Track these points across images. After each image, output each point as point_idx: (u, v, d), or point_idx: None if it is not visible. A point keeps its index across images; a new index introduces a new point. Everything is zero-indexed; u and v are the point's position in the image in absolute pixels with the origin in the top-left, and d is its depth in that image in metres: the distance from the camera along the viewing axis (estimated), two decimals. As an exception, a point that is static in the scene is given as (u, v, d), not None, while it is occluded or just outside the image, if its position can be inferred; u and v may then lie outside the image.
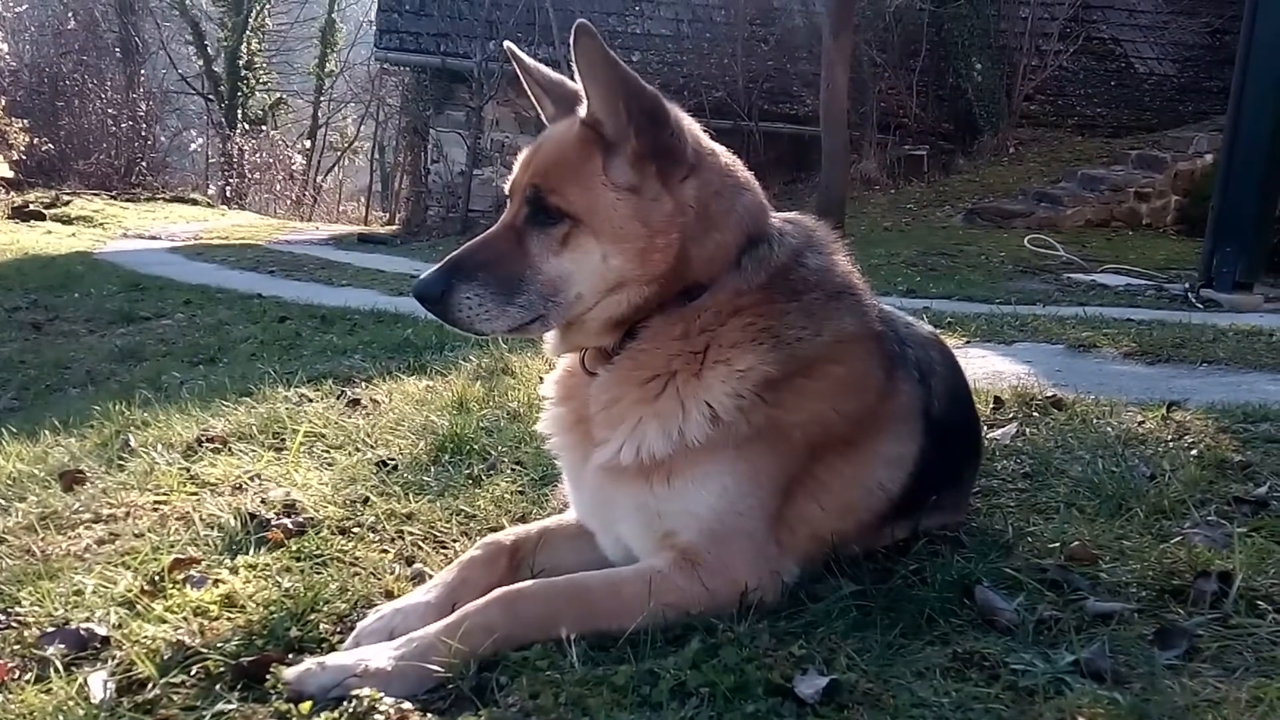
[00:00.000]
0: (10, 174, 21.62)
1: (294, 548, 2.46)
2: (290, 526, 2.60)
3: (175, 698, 1.78)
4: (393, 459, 3.27)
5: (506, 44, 2.22)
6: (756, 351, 2.09)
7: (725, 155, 2.23)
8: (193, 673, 1.85)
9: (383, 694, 1.70)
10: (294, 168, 38.63)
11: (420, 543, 2.58)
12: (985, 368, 4.81)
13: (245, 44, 37.76)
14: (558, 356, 2.37)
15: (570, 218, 2.04)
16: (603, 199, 2.04)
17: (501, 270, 2.05)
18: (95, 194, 24.23)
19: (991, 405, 3.86)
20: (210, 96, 39.08)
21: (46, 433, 3.89)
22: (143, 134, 29.49)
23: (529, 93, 2.34)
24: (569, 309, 2.08)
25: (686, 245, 2.08)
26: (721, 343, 2.10)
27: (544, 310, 2.06)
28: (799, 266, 2.19)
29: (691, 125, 2.18)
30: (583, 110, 2.10)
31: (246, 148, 35.56)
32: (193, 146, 41.14)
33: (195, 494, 2.92)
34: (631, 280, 2.06)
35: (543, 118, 2.34)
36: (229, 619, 2.07)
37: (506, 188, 2.19)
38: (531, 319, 2.07)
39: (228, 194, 33.90)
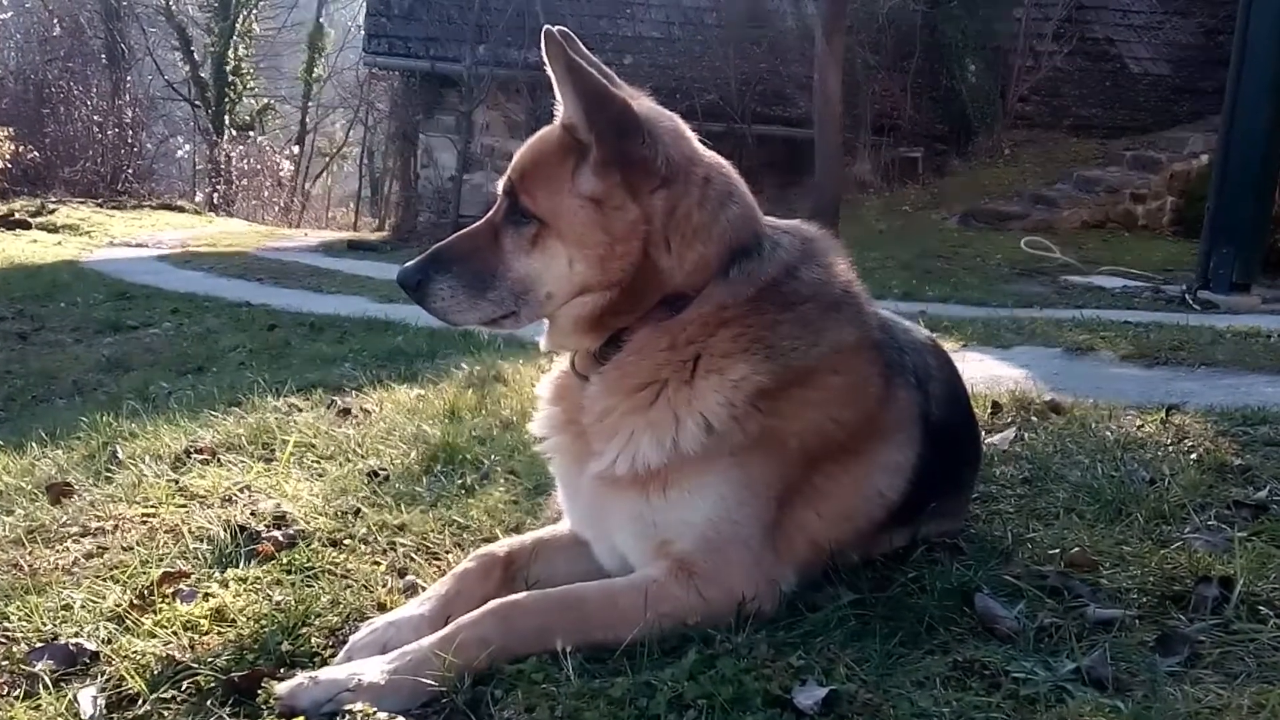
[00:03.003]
0: (-5, 182, 21.60)
1: (285, 560, 2.44)
2: (281, 539, 2.58)
3: (165, 713, 1.77)
4: (384, 469, 3.25)
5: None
6: (750, 362, 2.08)
7: (715, 166, 2.21)
8: (183, 688, 1.84)
9: (376, 708, 1.69)
10: (282, 174, 38.55)
11: (413, 554, 2.56)
12: (983, 372, 4.81)
13: (232, 50, 37.74)
14: (548, 354, 2.40)
15: (538, 219, 2.08)
16: (566, 204, 2.07)
17: (476, 264, 2.12)
18: (81, 202, 24.17)
19: (989, 410, 3.86)
20: (197, 103, 39.01)
21: (33, 444, 3.85)
22: (129, 141, 29.44)
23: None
24: (540, 307, 2.13)
25: (651, 255, 2.08)
26: (713, 353, 2.09)
27: (515, 307, 2.12)
28: (792, 278, 2.18)
29: (679, 135, 2.17)
30: (561, 114, 2.13)
31: (234, 154, 35.53)
32: (180, 153, 41.13)
33: (184, 506, 2.89)
34: (593, 285, 2.09)
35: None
36: (219, 633, 2.05)
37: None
38: (503, 314, 2.13)
39: (215, 201, 33.82)
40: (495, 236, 2.13)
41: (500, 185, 2.19)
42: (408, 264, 2.16)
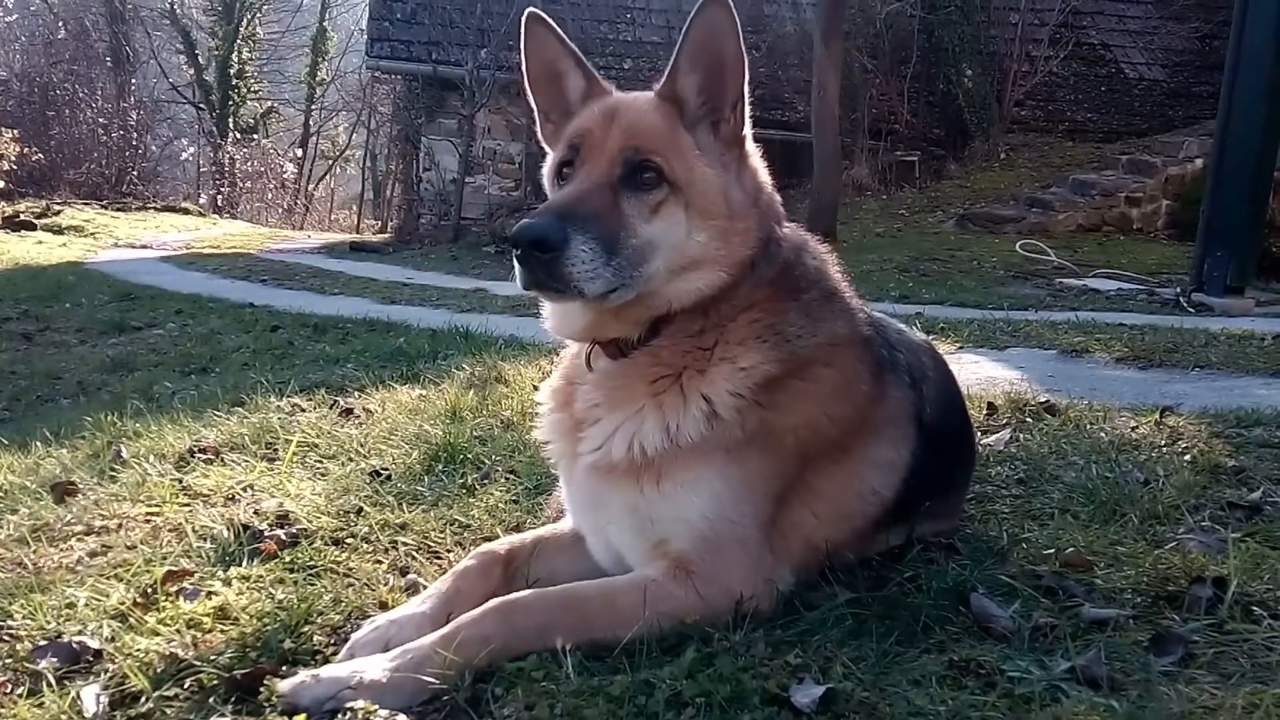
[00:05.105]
0: (0, 184, 21.60)
1: (287, 559, 2.45)
2: (283, 537, 2.59)
3: (169, 711, 1.77)
4: (386, 469, 3.26)
5: (530, 10, 2.19)
6: (760, 349, 2.09)
7: None
8: (186, 685, 1.84)
9: (377, 706, 1.70)
10: (285, 176, 38.67)
11: (414, 553, 2.56)
12: (978, 373, 4.83)
13: (236, 53, 37.82)
14: (569, 342, 2.30)
15: (669, 184, 2.02)
16: (698, 170, 2.06)
17: (609, 225, 1.95)
18: (86, 203, 24.23)
19: (985, 411, 3.87)
20: (201, 105, 39.08)
21: (38, 444, 3.87)
22: (134, 143, 29.51)
23: (549, 64, 2.25)
24: (646, 281, 2.01)
25: (760, 233, 2.12)
26: (729, 340, 2.10)
27: (628, 279, 1.97)
28: (800, 263, 2.22)
29: None
30: (659, 85, 2.13)
31: (238, 156, 35.63)
32: (184, 155, 41.10)
33: (188, 505, 2.90)
34: (710, 260, 2.05)
35: (568, 90, 2.26)
36: (222, 631, 2.06)
37: (580, 145, 2.10)
38: (618, 284, 1.96)
39: (219, 203, 33.92)
40: (615, 199, 1.99)
41: (585, 145, 2.08)
42: (533, 220, 1.91)
